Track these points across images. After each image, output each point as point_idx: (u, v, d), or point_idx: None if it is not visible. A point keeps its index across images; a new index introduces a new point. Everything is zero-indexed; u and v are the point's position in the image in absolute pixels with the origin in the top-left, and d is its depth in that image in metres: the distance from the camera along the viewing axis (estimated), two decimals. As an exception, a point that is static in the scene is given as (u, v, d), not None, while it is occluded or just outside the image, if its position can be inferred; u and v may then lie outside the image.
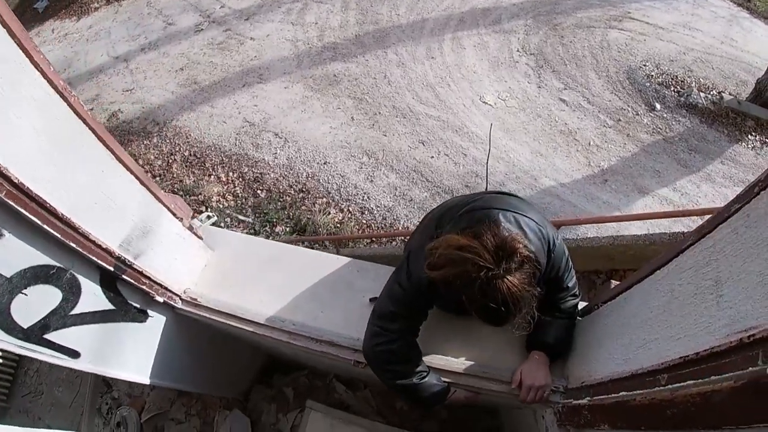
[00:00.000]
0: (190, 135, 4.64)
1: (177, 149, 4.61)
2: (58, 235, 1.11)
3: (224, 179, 4.31)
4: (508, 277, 1.04)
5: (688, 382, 0.82)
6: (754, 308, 0.71)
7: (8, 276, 1.08)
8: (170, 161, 4.62)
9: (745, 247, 0.77)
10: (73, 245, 1.16)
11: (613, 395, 1.08)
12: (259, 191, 4.14)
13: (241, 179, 4.25)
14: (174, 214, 1.59)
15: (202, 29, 5.74)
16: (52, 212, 1.07)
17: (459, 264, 1.07)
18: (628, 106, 4.63)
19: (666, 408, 0.86)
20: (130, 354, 1.61)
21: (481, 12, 5.35)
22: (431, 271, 1.12)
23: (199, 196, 4.36)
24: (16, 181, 0.97)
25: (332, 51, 5.14)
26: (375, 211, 3.91)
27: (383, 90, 4.67)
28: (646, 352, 1.01)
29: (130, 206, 1.37)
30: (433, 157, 4.17)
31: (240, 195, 4.17)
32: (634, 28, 5.29)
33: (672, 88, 4.72)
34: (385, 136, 4.30)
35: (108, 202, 1.27)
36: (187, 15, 6.02)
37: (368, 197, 3.99)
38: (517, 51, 5.02)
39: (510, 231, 1.15)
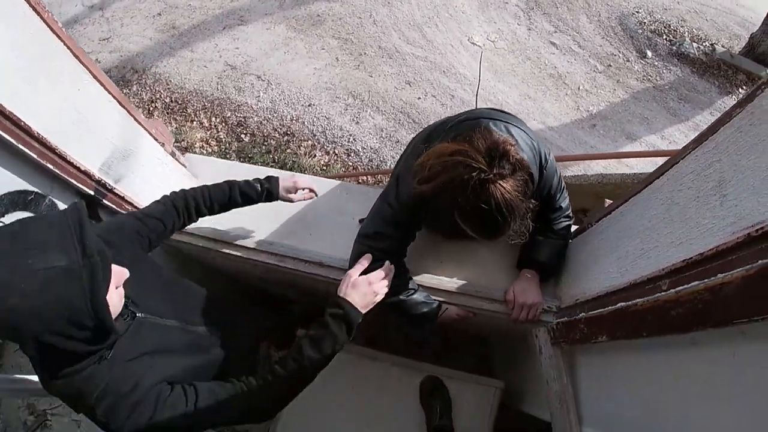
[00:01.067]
0: (170, 81, 4.49)
1: (157, 96, 4.47)
2: (35, 156, 1.07)
3: (207, 124, 4.20)
4: (501, 182, 1.01)
5: (694, 282, 0.79)
6: (761, 203, 0.69)
7: None
8: (151, 109, 4.48)
9: (750, 144, 0.76)
10: (51, 167, 1.12)
11: (610, 306, 1.07)
12: (242, 135, 4.05)
13: (224, 124, 4.14)
14: (155, 139, 1.55)
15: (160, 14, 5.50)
16: (28, 132, 1.03)
17: (450, 169, 1.04)
18: (619, 52, 4.56)
19: (670, 309, 0.84)
20: None
21: (470, -49, 5.17)
22: (422, 185, 1.09)
23: (182, 142, 4.24)
24: None
25: (316, -10, 4.96)
26: (361, 153, 3.85)
27: (369, 30, 4.52)
28: (645, 261, 1.00)
29: (109, 127, 1.34)
30: (420, 98, 4.08)
31: (223, 140, 4.07)
32: (628, -26, 5.16)
33: (664, 37, 4.64)
34: (371, 77, 4.19)
35: (86, 123, 1.23)
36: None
37: (354, 139, 3.91)
38: (508, -8, 4.89)
39: (500, 134, 1.11)
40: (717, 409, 0.81)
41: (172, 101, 4.43)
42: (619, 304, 1.02)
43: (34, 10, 1.00)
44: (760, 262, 0.65)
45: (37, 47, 1.04)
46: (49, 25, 1.05)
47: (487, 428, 1.70)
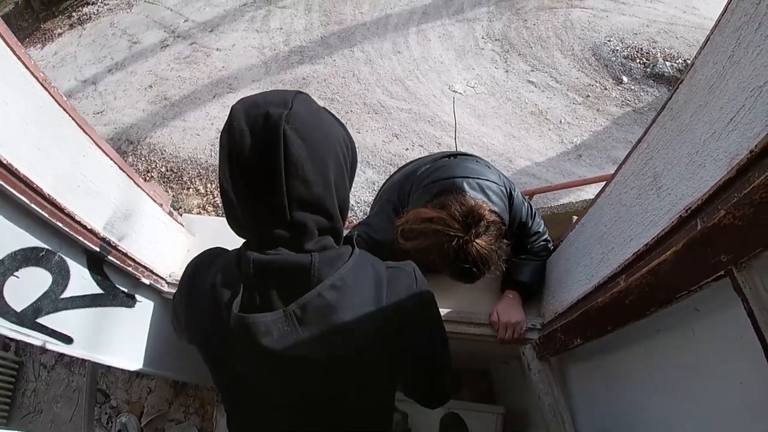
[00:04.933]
0: (164, 150, 4.62)
1: (153, 166, 4.59)
2: (46, 215, 1.15)
3: (203, 191, 4.30)
4: (477, 240, 1.12)
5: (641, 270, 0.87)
6: (687, 186, 0.78)
7: (0, 258, 1.12)
8: (147, 179, 4.60)
9: (672, 136, 0.86)
10: (60, 225, 1.21)
11: (579, 310, 1.14)
12: (239, 200, 4.14)
13: (219, 189, 4.24)
14: (153, 200, 1.64)
15: (167, 45, 5.71)
16: (39, 192, 1.11)
17: (430, 236, 1.14)
18: (596, 81, 4.70)
19: (624, 298, 0.92)
20: (121, 340, 1.69)
21: (443, 3, 5.39)
22: (404, 241, 1.18)
23: (180, 210, 4.34)
24: (4, 161, 1.02)
25: (299, 54, 5.14)
26: (356, 208, 3.93)
27: (353, 88, 4.69)
28: (606, 263, 1.08)
29: (111, 190, 1.43)
30: (407, 148, 4.20)
31: (219, 205, 4.16)
32: (596, 5, 5.37)
33: (638, 60, 4.79)
34: (359, 133, 4.32)
35: (90, 185, 1.32)
36: (151, 32, 5.99)
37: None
38: (482, 38, 5.07)
39: (475, 198, 1.22)
40: (693, 389, 0.86)
41: (167, 170, 4.55)
42: (585, 307, 1.11)
43: (42, 85, 1.10)
44: (688, 237, 0.71)
45: (46, 117, 1.14)
46: (54, 98, 1.15)
47: None
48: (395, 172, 1.80)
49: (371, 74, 4.80)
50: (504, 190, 1.35)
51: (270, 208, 0.67)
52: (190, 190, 4.36)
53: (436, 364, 0.90)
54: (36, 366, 3.54)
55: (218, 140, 0.72)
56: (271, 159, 0.64)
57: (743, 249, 0.61)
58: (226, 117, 0.69)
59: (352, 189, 1.05)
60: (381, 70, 4.85)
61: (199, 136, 4.59)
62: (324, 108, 0.76)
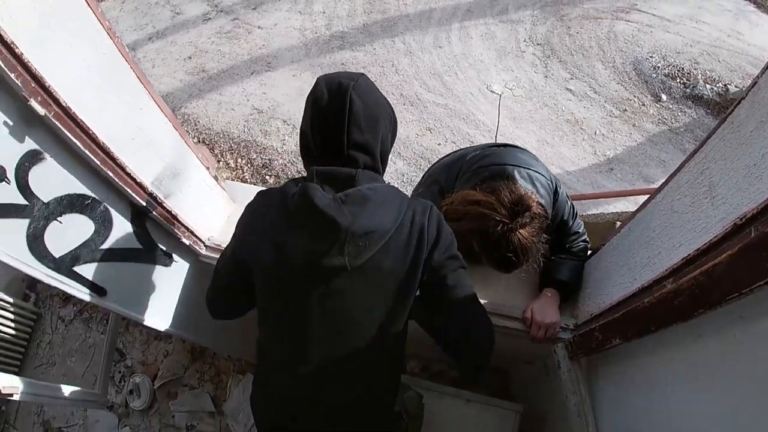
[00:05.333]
0: (198, 122, 4.66)
1: (186, 136, 4.64)
2: (98, 162, 1.15)
3: (233, 165, 4.34)
4: (521, 230, 1.13)
5: (692, 273, 0.90)
6: (743, 196, 0.80)
7: (46, 201, 1.11)
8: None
9: (731, 148, 0.88)
10: (110, 174, 1.21)
11: (622, 310, 1.15)
12: (267, 177, 4.18)
13: (249, 165, 4.28)
14: (201, 162, 1.64)
15: (210, 18, 5.76)
16: (94, 139, 1.12)
17: (475, 219, 1.16)
18: (635, 96, 4.65)
19: (673, 299, 0.94)
20: (153, 297, 1.68)
21: (488, 2, 5.37)
22: (448, 222, 1.16)
23: (224, 182, 4.38)
24: (64, 104, 1.02)
25: (340, 40, 5.16)
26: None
27: (391, 78, 4.69)
28: (651, 267, 1.09)
29: (163, 146, 1.42)
30: (440, 144, 4.20)
31: (249, 181, 4.20)
32: (641, 20, 5.30)
33: (678, 80, 4.73)
34: (399, 123, 4.32)
35: (144, 138, 1.32)
36: (194, 4, 6.04)
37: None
38: (524, 41, 5.04)
39: (525, 187, 1.22)
40: (729, 397, 0.88)
41: (199, 141, 4.60)
42: (630, 307, 1.12)
43: (107, 33, 1.11)
44: (744, 242, 0.75)
45: (108, 65, 1.14)
46: (118, 48, 1.15)
47: None
48: (443, 158, 1.80)
49: (410, 66, 4.80)
50: (550, 185, 1.36)
51: (333, 145, 0.97)
52: (221, 163, 4.41)
53: (456, 281, 1.04)
54: (54, 319, 3.60)
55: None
56: (339, 111, 0.95)
57: None
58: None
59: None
60: (420, 63, 4.84)
61: (234, 111, 4.63)
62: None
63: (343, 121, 0.95)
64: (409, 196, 1.22)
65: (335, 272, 0.97)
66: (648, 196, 1.23)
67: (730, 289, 0.78)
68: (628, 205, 3.70)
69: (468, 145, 4.24)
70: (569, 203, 1.46)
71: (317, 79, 1.01)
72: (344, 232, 0.93)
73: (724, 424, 0.87)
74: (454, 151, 1.79)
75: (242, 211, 1.14)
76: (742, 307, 0.81)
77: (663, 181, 1.16)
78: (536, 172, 1.33)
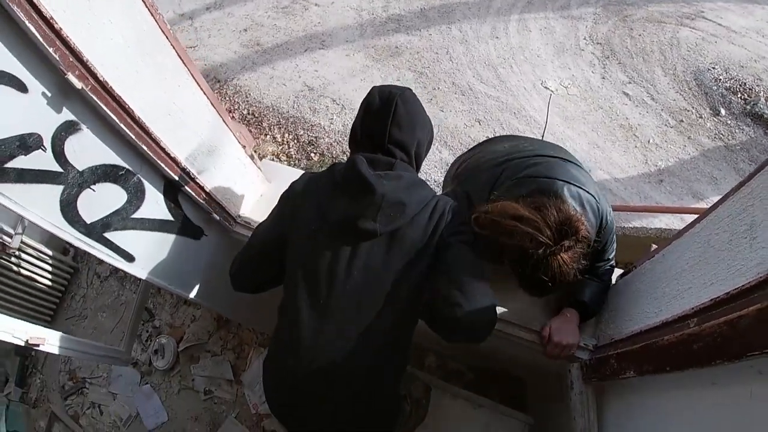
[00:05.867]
0: (249, 94, 4.73)
1: (236, 107, 4.72)
2: (132, 136, 1.20)
3: (279, 140, 4.41)
4: (563, 254, 1.05)
5: (718, 319, 0.86)
6: None
7: (80, 169, 1.16)
8: (232, 118, 4.75)
9: None
10: (145, 148, 1.25)
11: (641, 343, 1.11)
12: (312, 154, 4.22)
13: (296, 141, 4.33)
14: (238, 141, 1.67)
15: (268, -8, 5.80)
16: (129, 113, 1.16)
17: (518, 236, 1.07)
18: (693, 107, 4.49)
19: (693, 343, 0.91)
20: (181, 268, 1.72)
21: (550, -5, 5.24)
22: (483, 230, 1.14)
23: (261, 160, 4.46)
24: (101, 78, 1.06)
25: (396, 23, 5.12)
26: (426, 186, 3.94)
27: (444, 66, 4.64)
28: (679, 302, 1.05)
29: (200, 123, 1.47)
30: (488, 136, 4.15)
31: (294, 156, 4.26)
32: (706, 29, 5.08)
33: (739, 95, 4.54)
34: (442, 111, 4.30)
35: (180, 115, 1.36)
36: (255, -25, 6.08)
37: (420, 171, 4.02)
38: (584, 39, 4.91)
39: (574, 209, 1.14)
40: None
41: (248, 113, 4.67)
42: (650, 340, 1.07)
43: (148, 9, 1.15)
44: None
45: (148, 42, 1.19)
46: (159, 25, 1.19)
47: None
48: (467, 155, 1.71)
49: (465, 55, 4.74)
50: (600, 208, 1.26)
51: (377, 138, 1.19)
52: (268, 137, 4.48)
53: (465, 253, 1.15)
54: (90, 274, 3.75)
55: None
56: (385, 111, 1.17)
57: None
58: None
59: (425, 164, 1.23)
60: (475, 52, 4.77)
61: (285, 86, 4.67)
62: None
63: (387, 120, 1.16)
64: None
65: (366, 235, 1.11)
66: (695, 216, 1.14)
67: (753, 345, 0.74)
68: (674, 221, 3.60)
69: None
70: (613, 231, 1.36)
71: (372, 88, 1.25)
72: (379, 197, 1.09)
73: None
74: (477, 147, 1.70)
75: (287, 188, 1.30)
76: (763, 363, 0.76)
77: (712, 202, 1.09)
78: (587, 192, 1.23)
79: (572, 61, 4.72)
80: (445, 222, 1.16)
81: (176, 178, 1.40)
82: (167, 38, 1.23)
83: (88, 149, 1.15)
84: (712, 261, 0.97)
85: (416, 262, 1.12)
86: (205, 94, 1.43)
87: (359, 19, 5.15)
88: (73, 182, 1.15)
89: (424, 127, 1.25)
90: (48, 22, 0.91)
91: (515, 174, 1.30)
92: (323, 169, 1.30)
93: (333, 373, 1.12)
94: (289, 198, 1.28)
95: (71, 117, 1.08)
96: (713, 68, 4.72)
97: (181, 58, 1.29)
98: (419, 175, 1.28)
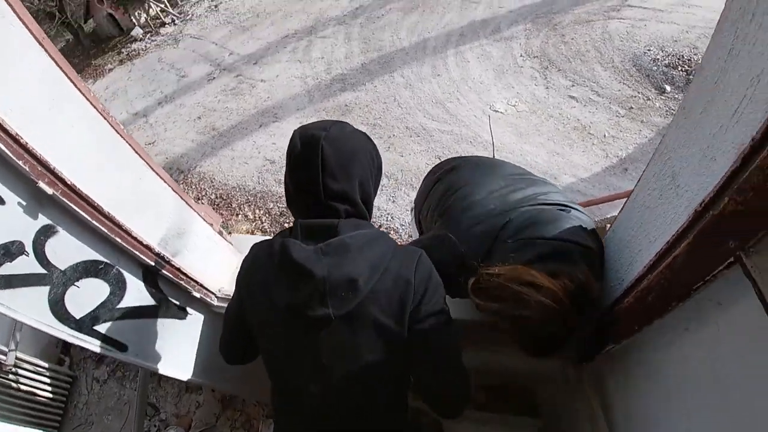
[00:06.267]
0: (214, 179, 4.81)
1: (203, 193, 4.79)
2: (105, 230, 1.27)
3: (251, 216, 4.45)
4: (571, 318, 0.98)
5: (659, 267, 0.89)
6: (702, 181, 0.78)
7: (62, 269, 1.23)
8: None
9: (686, 135, 0.86)
10: (118, 240, 1.31)
11: (613, 315, 1.12)
12: (286, 224, 4.27)
13: (267, 215, 4.38)
14: (204, 220, 1.73)
15: (214, 77, 6.00)
16: (98, 210, 1.24)
17: (531, 306, 0.97)
18: (638, 92, 4.62)
19: (647, 296, 0.93)
20: (173, 350, 1.76)
21: (480, 24, 5.47)
22: (481, 300, 1.03)
23: (230, 235, 4.50)
24: (68, 182, 1.15)
25: (341, 82, 5.31)
26: (400, 230, 3.98)
27: (394, 113, 4.79)
28: (634, 266, 1.06)
29: (166, 210, 1.54)
30: (450, 170, 4.24)
31: (268, 230, 4.30)
32: (633, 15, 5.31)
33: (680, 68, 4.69)
34: (402, 156, 4.39)
35: (146, 205, 1.44)
36: (198, 66, 6.31)
37: (392, 217, 4.07)
38: (521, 56, 5.10)
39: (588, 274, 1.06)
40: (726, 389, 0.85)
41: (217, 197, 4.74)
42: (617, 308, 1.09)
43: (101, 115, 1.23)
44: (698, 228, 0.74)
45: (105, 143, 1.27)
46: (113, 126, 1.28)
47: None
48: (442, 196, 1.49)
49: (412, 98, 4.89)
50: (600, 250, 1.19)
51: (312, 197, 0.98)
52: (239, 216, 4.53)
53: (440, 340, 1.03)
54: (89, 380, 3.71)
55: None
56: (312, 162, 0.96)
57: (749, 234, 0.63)
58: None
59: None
60: (421, 93, 4.93)
61: (247, 165, 4.76)
62: (359, 130, 1.06)
63: (317, 173, 0.96)
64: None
65: (322, 322, 0.98)
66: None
67: (693, 280, 0.78)
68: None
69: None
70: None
71: (293, 131, 1.02)
72: (321, 282, 0.95)
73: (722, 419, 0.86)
74: (448, 180, 1.50)
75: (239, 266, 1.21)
76: (717, 294, 0.78)
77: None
78: (594, 252, 1.15)
79: (514, 80, 4.89)
80: (417, 292, 1.00)
81: (152, 263, 1.46)
82: (122, 136, 1.33)
83: (66, 249, 1.23)
84: (651, 219, 1.00)
85: (389, 340, 1.00)
86: (164, 181, 1.51)
87: (305, 86, 5.33)
88: (58, 282, 1.22)
89: (364, 164, 1.01)
90: (15, 139, 1.01)
91: (520, 232, 1.16)
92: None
93: None
94: (240, 282, 1.17)
95: (47, 221, 1.16)
96: (649, 50, 4.90)
97: (137, 152, 1.38)
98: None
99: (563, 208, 1.25)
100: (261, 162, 4.73)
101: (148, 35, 10.04)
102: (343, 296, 0.96)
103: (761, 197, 0.61)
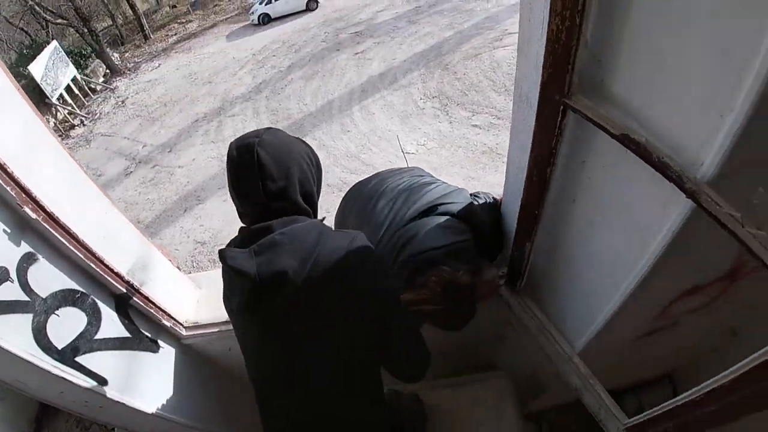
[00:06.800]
0: (147, 274, 4.69)
1: (139, 291, 4.65)
2: (81, 257, 1.32)
3: (193, 304, 4.36)
4: (457, 298, 1.16)
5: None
6: (533, 80, 0.91)
7: (43, 297, 1.26)
8: (136, 305, 4.65)
9: (524, 60, 0.96)
10: (92, 266, 1.36)
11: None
12: (228, 304, 4.21)
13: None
14: (164, 256, 1.78)
15: (131, 171, 5.95)
16: (75, 237, 1.30)
17: (428, 315, 1.18)
18: (534, 110, 5.06)
19: (531, 178, 1.08)
20: (149, 384, 1.72)
21: (377, 77, 5.85)
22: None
23: (189, 274, 4.36)
24: (48, 210, 1.22)
25: (257, 154, 5.42)
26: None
27: (313, 173, 4.93)
28: (520, 178, 1.18)
29: (130, 243, 1.62)
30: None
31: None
32: (515, 41, 5.85)
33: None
34: (329, 212, 4.43)
35: (113, 236, 1.52)
36: (113, 162, 6.25)
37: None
38: (421, 99, 5.48)
39: (451, 270, 1.20)
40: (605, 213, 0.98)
41: (154, 292, 4.61)
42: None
43: (71, 157, 1.34)
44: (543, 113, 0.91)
45: (77, 182, 1.38)
46: (80, 167, 1.37)
47: (514, 418, 1.70)
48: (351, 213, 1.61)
49: (327, 157, 5.09)
50: (467, 237, 1.34)
51: (254, 201, 1.01)
52: (180, 306, 4.42)
53: (390, 315, 1.10)
54: None
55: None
56: (250, 167, 0.99)
57: (562, 84, 0.79)
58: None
59: None
60: (335, 151, 5.14)
61: (179, 251, 4.70)
62: (292, 136, 1.10)
63: (256, 176, 0.99)
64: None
65: (266, 318, 1.05)
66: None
67: (549, 138, 0.94)
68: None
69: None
70: (487, 208, 1.47)
71: (229, 144, 1.04)
72: (255, 280, 0.99)
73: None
74: (354, 198, 1.62)
75: None
76: (575, 152, 0.93)
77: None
78: (453, 243, 1.32)
79: (419, 121, 5.22)
80: (352, 271, 1.05)
81: (123, 290, 1.47)
82: (89, 177, 1.41)
83: (46, 277, 1.24)
84: (517, 134, 1.11)
85: (341, 322, 1.06)
86: (126, 218, 1.58)
87: (223, 165, 5.32)
88: (40, 309, 1.23)
89: (301, 162, 1.07)
90: (2, 167, 1.09)
91: (396, 258, 1.35)
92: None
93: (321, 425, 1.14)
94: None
95: (29, 249, 1.19)
96: (534, 73, 5.41)
97: (101, 191, 1.47)
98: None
99: (430, 209, 1.39)
100: (192, 246, 4.69)
101: (59, 139, 9.75)
102: (277, 290, 1.00)
103: (559, 67, 0.78)
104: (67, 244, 1.28)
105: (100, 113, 9.64)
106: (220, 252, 1.04)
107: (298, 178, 1.05)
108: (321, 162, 1.11)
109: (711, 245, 0.78)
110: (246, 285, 1.01)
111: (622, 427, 1.17)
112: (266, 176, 1.00)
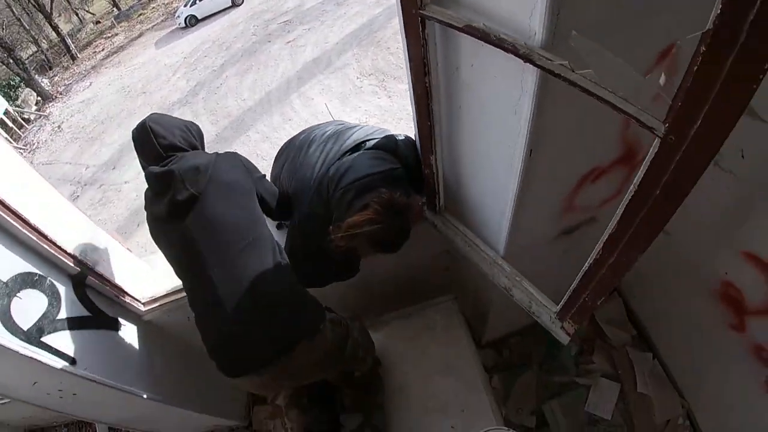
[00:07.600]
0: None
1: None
2: (34, 239, 1.39)
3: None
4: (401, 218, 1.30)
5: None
6: None
7: (5, 280, 1.33)
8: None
9: None
10: (46, 247, 1.43)
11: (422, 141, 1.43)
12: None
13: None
14: (112, 237, 1.84)
15: (78, 195, 5.80)
16: (27, 222, 1.38)
17: (367, 236, 1.29)
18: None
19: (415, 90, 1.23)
20: (115, 362, 1.76)
21: (312, 63, 5.83)
22: (339, 244, 1.32)
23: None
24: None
25: (202, 156, 5.37)
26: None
27: (260, 166, 4.90)
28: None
29: (78, 225, 1.69)
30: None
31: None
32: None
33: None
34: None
35: (62, 220, 1.59)
36: (59, 190, 6.04)
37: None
38: (357, 78, 5.51)
39: (389, 192, 1.34)
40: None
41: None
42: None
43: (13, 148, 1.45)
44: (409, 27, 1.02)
45: (17, 167, 1.46)
46: (34, 169, 1.50)
47: (466, 338, 1.81)
48: (291, 151, 1.79)
49: (272, 148, 5.08)
50: (397, 166, 1.47)
51: (155, 155, 1.36)
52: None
53: (258, 181, 1.45)
54: None
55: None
56: (146, 135, 1.36)
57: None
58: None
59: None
60: (280, 141, 5.02)
61: (139, 267, 4.65)
62: (178, 117, 1.53)
63: (150, 137, 1.37)
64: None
65: (192, 202, 1.28)
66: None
67: (418, 51, 1.04)
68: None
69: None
70: (406, 144, 1.58)
71: (131, 133, 1.44)
72: (177, 172, 1.28)
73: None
74: (288, 153, 1.82)
75: None
76: (449, 59, 1.04)
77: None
78: (387, 170, 1.45)
79: (359, 100, 5.26)
80: (243, 160, 1.45)
81: (78, 270, 1.53)
82: (24, 160, 1.48)
83: (5, 261, 1.32)
84: None
85: (245, 197, 1.37)
86: (72, 205, 1.64)
87: (170, 172, 5.31)
88: (2, 293, 1.29)
89: (181, 126, 1.46)
90: None
91: (335, 190, 1.47)
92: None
93: (246, 306, 1.25)
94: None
95: None
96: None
97: (42, 177, 1.55)
98: None
99: (360, 144, 1.57)
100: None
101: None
102: (195, 178, 1.29)
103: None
104: (20, 228, 1.34)
105: (38, 142, 9.25)
106: (146, 172, 1.34)
107: (181, 135, 1.41)
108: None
109: (581, 116, 0.90)
110: (172, 180, 1.29)
111: (554, 315, 1.29)
112: (157, 135, 1.37)
